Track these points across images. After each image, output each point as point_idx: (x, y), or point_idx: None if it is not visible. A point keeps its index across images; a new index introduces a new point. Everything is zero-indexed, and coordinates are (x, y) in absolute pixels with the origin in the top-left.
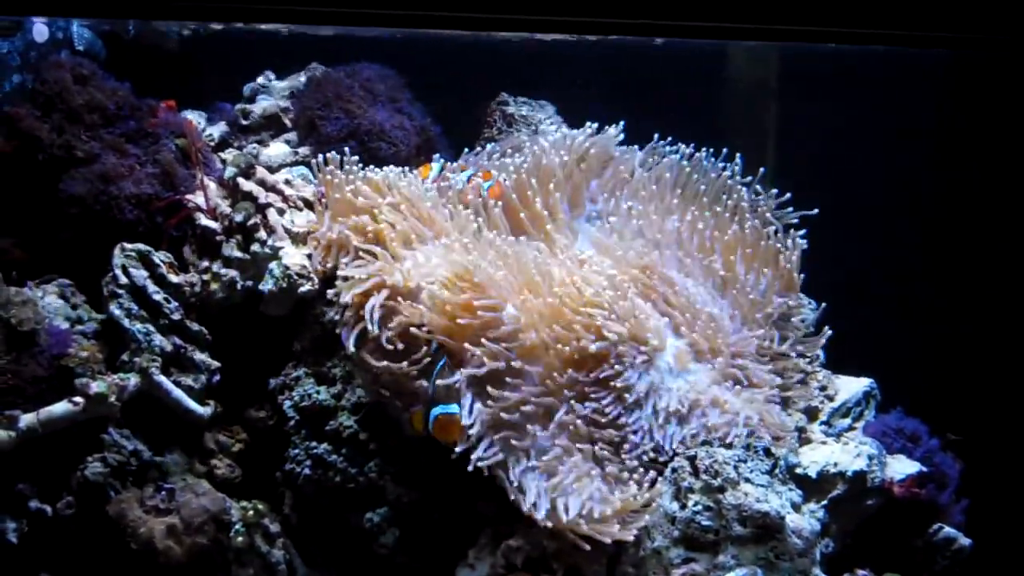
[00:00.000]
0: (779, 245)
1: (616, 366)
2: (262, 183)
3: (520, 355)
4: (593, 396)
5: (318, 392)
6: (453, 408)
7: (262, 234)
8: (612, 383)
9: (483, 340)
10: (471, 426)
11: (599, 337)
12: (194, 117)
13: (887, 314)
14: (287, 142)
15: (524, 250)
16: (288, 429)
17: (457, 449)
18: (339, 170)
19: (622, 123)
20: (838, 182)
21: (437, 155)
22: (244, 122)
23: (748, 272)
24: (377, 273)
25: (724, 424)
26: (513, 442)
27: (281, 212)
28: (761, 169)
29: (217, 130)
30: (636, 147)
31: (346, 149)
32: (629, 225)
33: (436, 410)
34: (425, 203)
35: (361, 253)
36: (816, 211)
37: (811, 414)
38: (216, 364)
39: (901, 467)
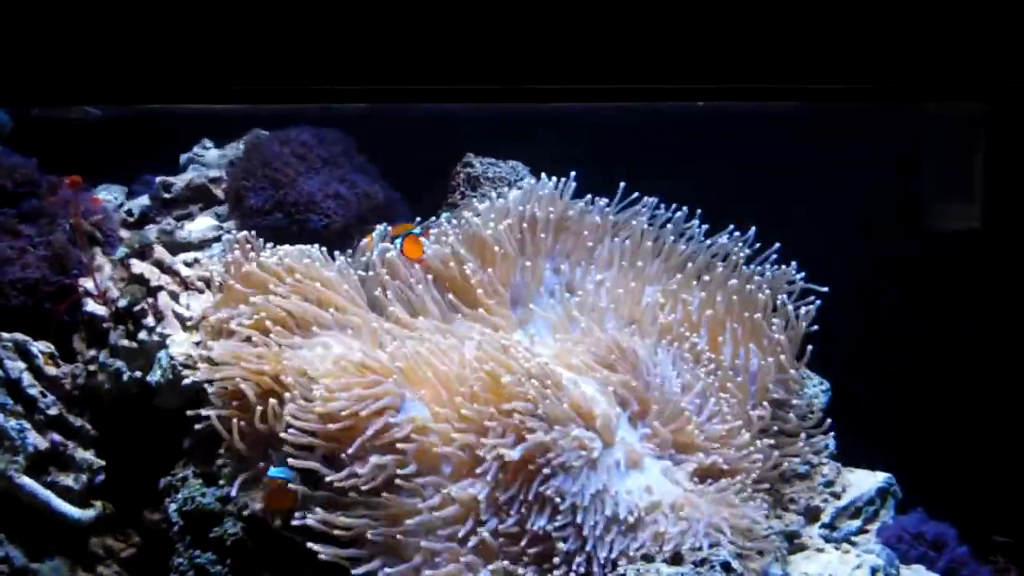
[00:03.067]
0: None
1: (544, 470)
2: (159, 264)
3: (420, 460)
4: (512, 508)
5: (203, 495)
6: (284, 472)
7: (150, 320)
8: (539, 490)
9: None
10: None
11: (518, 438)
12: (110, 193)
13: (911, 391)
14: (217, 215)
15: (438, 337)
16: (172, 535)
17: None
18: (241, 250)
19: (572, 174)
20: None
21: (382, 224)
22: (166, 195)
23: (737, 351)
24: (255, 364)
25: (678, 532)
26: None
27: (175, 296)
28: (752, 229)
29: (137, 205)
30: (603, 202)
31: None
32: (599, 298)
33: (270, 472)
34: (340, 284)
35: (242, 342)
36: (826, 288)
37: (812, 515)
38: (100, 463)
39: None
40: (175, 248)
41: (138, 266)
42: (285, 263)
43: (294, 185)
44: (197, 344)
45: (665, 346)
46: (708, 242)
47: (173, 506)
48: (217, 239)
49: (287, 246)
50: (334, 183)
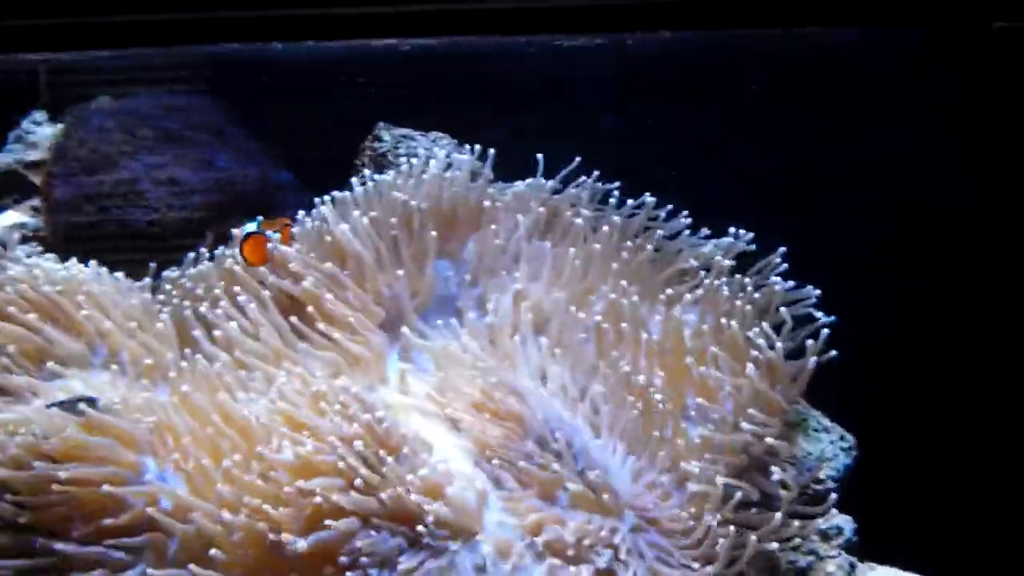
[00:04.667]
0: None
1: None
2: None
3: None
4: None
5: None
6: None
7: None
8: None
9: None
10: None
11: (308, 526)
12: None
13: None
14: (34, 210)
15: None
16: None
17: None
18: None
19: (489, 151)
20: None
21: (253, 220)
22: None
23: (698, 389)
24: None
25: None
26: None
27: None
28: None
29: None
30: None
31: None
32: (518, 317)
33: None
34: (114, 302)
35: None
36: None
37: None
38: None
39: None
40: None
41: None
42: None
43: (113, 169)
44: None
45: (599, 384)
46: (684, 240)
47: None
48: (22, 240)
49: (42, 258)
50: (171, 165)
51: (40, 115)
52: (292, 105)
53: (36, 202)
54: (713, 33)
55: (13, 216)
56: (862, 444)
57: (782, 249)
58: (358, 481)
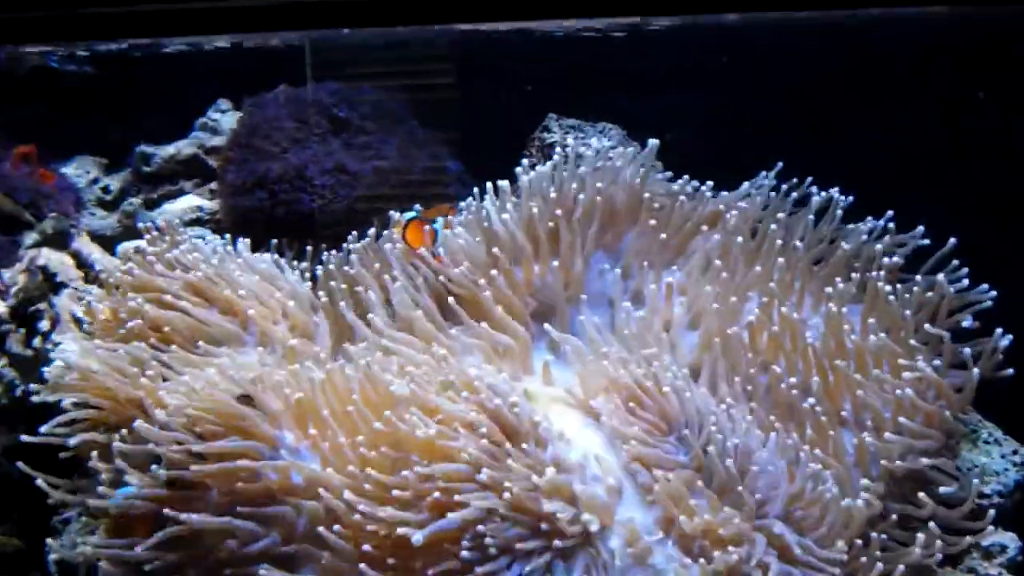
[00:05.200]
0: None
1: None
2: (76, 255)
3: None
4: None
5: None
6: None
7: (44, 324)
8: None
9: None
10: None
11: (436, 510)
12: (82, 166)
13: None
14: (212, 192)
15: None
16: None
17: None
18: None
19: (654, 142)
20: None
21: (413, 208)
22: (146, 169)
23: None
24: (116, 385)
25: None
26: None
27: (80, 297)
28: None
29: (118, 180)
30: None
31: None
32: (671, 312)
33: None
34: (266, 288)
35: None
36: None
37: None
38: None
39: None
40: (135, 234)
41: (44, 256)
42: (188, 260)
43: (282, 156)
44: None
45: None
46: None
47: (51, 556)
48: (195, 222)
49: (199, 241)
50: (340, 153)
51: (225, 103)
52: (468, 94)
53: (214, 186)
54: None
55: (193, 200)
56: None
57: (952, 242)
58: (484, 472)
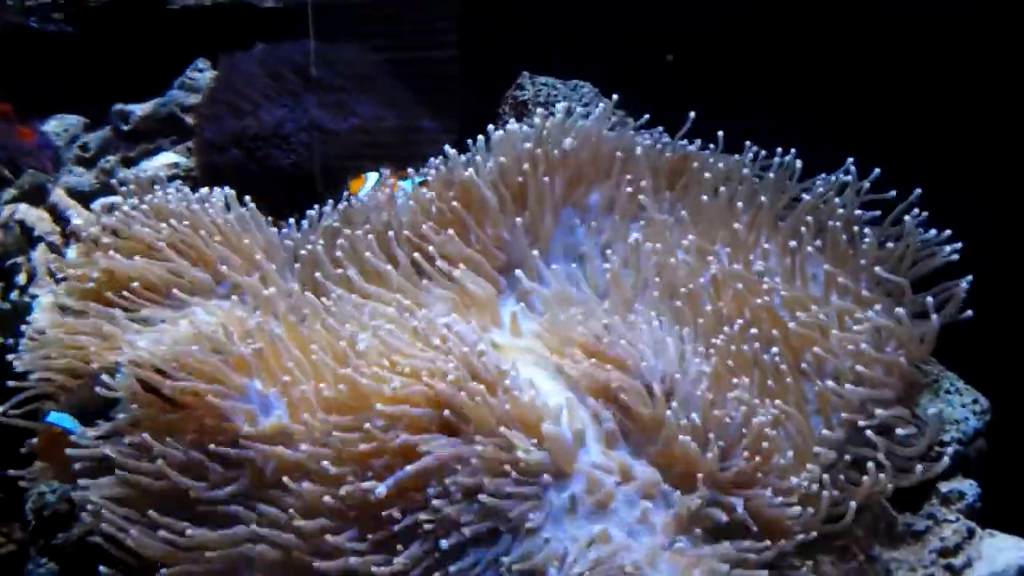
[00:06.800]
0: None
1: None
2: (52, 210)
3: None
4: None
5: (53, 493)
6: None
7: (21, 278)
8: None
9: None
10: None
11: (399, 456)
12: (64, 123)
13: None
14: (189, 150)
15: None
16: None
17: None
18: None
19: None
20: None
21: (377, 171)
22: (125, 127)
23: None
24: (83, 341)
25: None
26: None
27: (56, 249)
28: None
29: (96, 138)
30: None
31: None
32: (639, 264)
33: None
34: (241, 236)
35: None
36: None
37: None
38: None
39: None
40: (112, 191)
41: (21, 211)
42: (157, 207)
43: (256, 114)
44: (64, 310)
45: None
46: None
47: (28, 504)
48: (173, 178)
49: (172, 189)
50: (315, 111)
51: (203, 62)
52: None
53: (191, 143)
54: None
55: (171, 156)
56: (1000, 409)
57: (918, 191)
58: (447, 412)
